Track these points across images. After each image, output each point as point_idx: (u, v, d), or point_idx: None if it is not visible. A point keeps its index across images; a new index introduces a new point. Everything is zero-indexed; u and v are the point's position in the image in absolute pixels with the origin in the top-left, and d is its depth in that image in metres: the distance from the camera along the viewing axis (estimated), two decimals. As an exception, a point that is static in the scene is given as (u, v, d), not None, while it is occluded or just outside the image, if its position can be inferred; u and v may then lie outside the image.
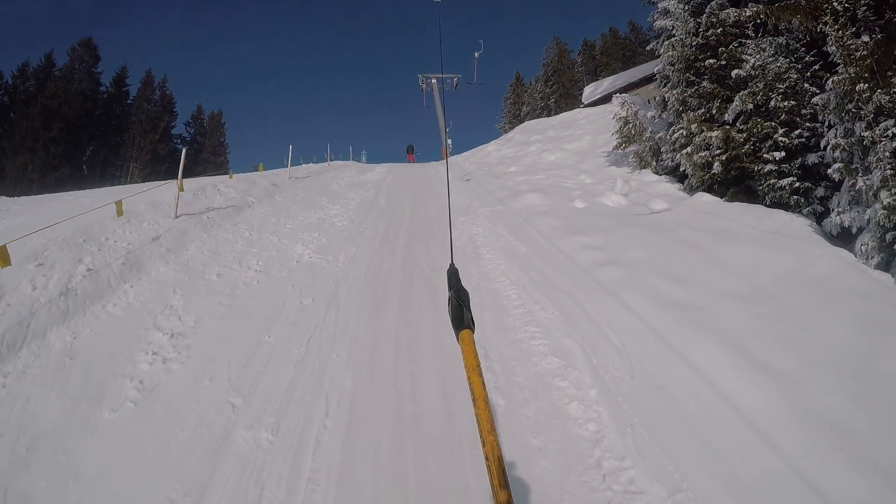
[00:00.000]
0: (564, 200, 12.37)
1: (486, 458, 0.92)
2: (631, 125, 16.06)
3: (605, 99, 28.39)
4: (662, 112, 16.22)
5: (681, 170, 13.87)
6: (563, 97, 48.50)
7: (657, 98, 16.49)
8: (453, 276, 1.43)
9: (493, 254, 9.11)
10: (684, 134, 14.18)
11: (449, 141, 34.74)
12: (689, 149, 13.63)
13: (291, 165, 18.91)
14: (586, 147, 19.27)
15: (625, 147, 16.28)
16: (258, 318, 6.66)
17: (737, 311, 6.01)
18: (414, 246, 9.89)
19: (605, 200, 12.44)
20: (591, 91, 30.14)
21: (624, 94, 18.80)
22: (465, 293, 1.32)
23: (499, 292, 7.35)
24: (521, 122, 56.03)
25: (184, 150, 11.12)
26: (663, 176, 14.82)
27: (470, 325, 1.21)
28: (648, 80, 27.28)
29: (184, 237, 9.34)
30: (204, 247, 9.20)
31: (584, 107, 29.88)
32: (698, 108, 14.18)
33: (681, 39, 14.26)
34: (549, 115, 50.43)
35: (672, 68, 14.94)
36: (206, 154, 54.29)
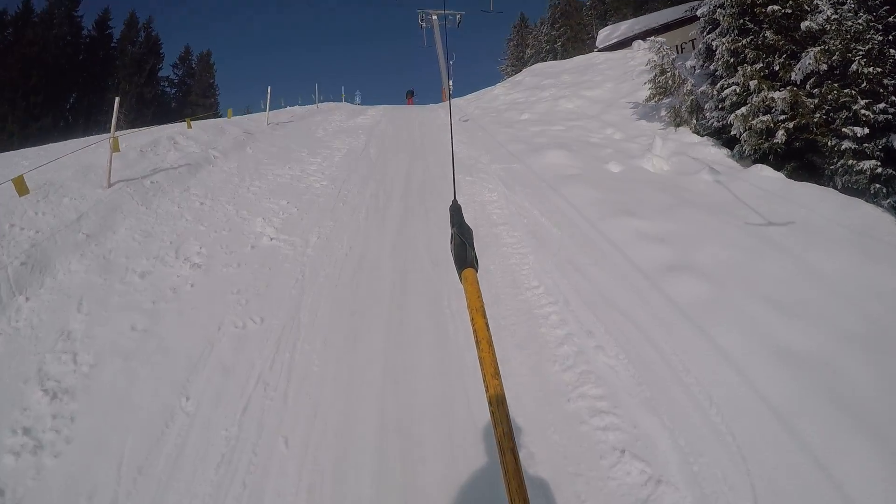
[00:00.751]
0: (595, 161, 9.92)
1: (490, 403, 0.85)
2: (668, 75, 13.42)
3: (623, 44, 25.44)
4: (705, 62, 13.59)
5: (731, 133, 11.47)
6: (571, 41, 44.90)
7: (699, 47, 13.79)
8: (456, 212, 1.33)
9: (515, 236, 6.71)
10: (737, 91, 11.71)
11: (450, 82, 31.61)
12: (744, 109, 11.21)
13: (276, 109, 16.18)
14: (608, 95, 16.60)
15: (659, 99, 13.68)
16: (178, 359, 4.32)
17: (869, 371, 3.82)
18: (410, 220, 7.45)
19: (645, 164, 10.03)
20: (606, 35, 27.03)
21: (651, 38, 16.02)
22: (469, 230, 1.24)
23: (532, 310, 4.97)
24: (526, 65, 52.48)
25: (116, 100, 8.32)
26: (705, 137, 12.38)
27: (473, 264, 1.14)
28: (671, 26, 24.36)
29: (113, 215, 6.88)
30: (137, 227, 6.75)
31: (598, 51, 26.89)
32: (755, 62, 11.68)
33: (737, -23, 11.65)
34: (555, 58, 46.96)
35: (723, 12, 12.32)
36: (195, 96, 51.30)
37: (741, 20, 12.00)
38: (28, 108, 36.91)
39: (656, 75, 13.64)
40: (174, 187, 8.25)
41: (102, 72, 44.75)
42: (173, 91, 52.51)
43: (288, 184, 9.00)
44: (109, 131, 8.19)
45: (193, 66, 53.96)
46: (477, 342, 0.96)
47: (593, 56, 22.22)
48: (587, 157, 10.12)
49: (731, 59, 12.09)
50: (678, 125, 13.25)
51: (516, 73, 57.42)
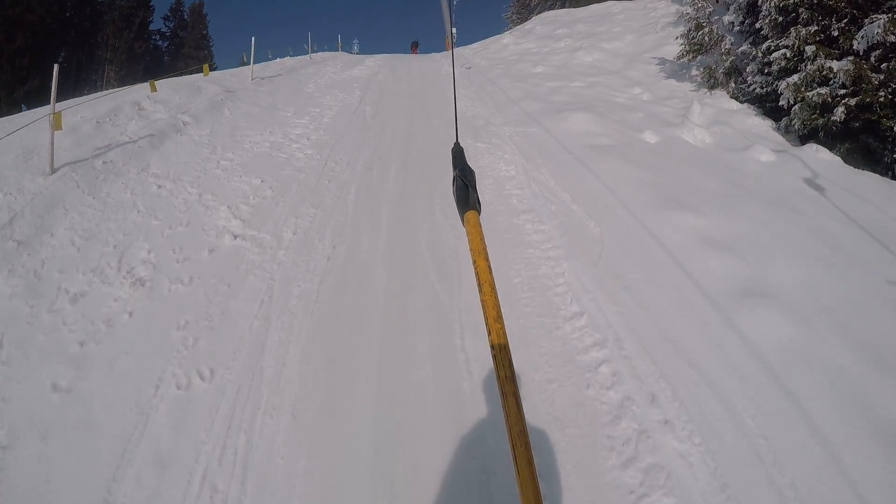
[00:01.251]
0: (627, 129, 8.44)
1: (492, 347, 0.82)
2: (705, 31, 11.72)
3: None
4: (747, 18, 11.90)
5: (778, 102, 9.98)
6: (581, -14, 42.09)
7: (739, 0, 12.03)
8: (458, 154, 1.28)
9: (543, 231, 5.28)
10: (787, 55, 10.14)
11: (454, 29, 29.23)
12: (796, 78, 9.68)
13: (264, 61, 14.25)
14: (629, 49, 14.82)
15: (693, 58, 12.01)
16: (103, 440, 3.03)
17: None
18: (410, 205, 6.03)
19: (685, 135, 8.56)
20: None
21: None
22: (471, 172, 1.19)
23: (574, 356, 3.60)
24: (532, 13, 49.45)
25: (56, 67, 6.71)
26: (745, 104, 10.87)
27: (476, 206, 1.11)
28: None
29: (53, 211, 5.39)
30: (78, 226, 5.27)
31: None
32: (809, 24, 10.07)
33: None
34: (563, 6, 44.13)
35: (772, -38, 10.67)
36: (188, 49, 48.56)
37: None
38: (14, 72, 34.28)
39: (690, 30, 11.93)
40: (130, 166, 6.69)
41: (92, 27, 41.72)
42: (165, 45, 49.42)
43: (266, 154, 7.48)
44: (101, 88, 6.58)
45: (185, 17, 50.74)
46: (479, 285, 0.93)
47: (610, 5, 20.16)
48: (616, 122, 8.61)
49: (780, 18, 10.46)
50: (712, 87, 11.67)
51: (522, 21, 54.30)
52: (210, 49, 51.08)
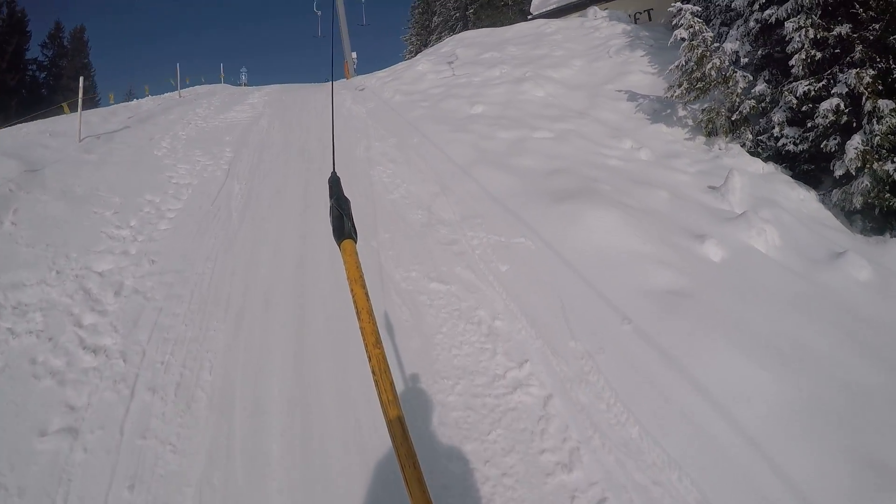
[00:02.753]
0: (672, 234, 5.02)
1: (373, 373, 0.84)
2: (712, 64, 8.59)
3: (564, 11, 20.65)
4: (759, 49, 8.97)
5: (833, 169, 7.09)
6: (485, 7, 39.62)
7: (750, 25, 9.07)
8: (335, 184, 1.28)
9: None
10: (841, 107, 7.28)
11: (353, 54, 25.29)
12: (858, 140, 6.82)
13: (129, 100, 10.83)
14: (584, 77, 11.68)
15: (695, 98, 8.85)
16: None
17: None
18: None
19: (752, 240, 5.26)
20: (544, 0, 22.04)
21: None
22: (347, 201, 1.19)
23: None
24: (432, 34, 46.54)
25: None
26: (769, 163, 7.93)
27: (352, 235, 1.12)
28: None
29: None
30: None
31: (531, 18, 21.88)
32: (863, 65, 7.28)
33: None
34: (465, 27, 41.53)
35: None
36: (66, 80, 40.58)
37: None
38: None
39: (689, 62, 8.80)
40: None
41: (-47, 57, 33.84)
42: (43, 75, 41.40)
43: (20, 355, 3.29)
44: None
45: (66, 44, 42.68)
46: (357, 313, 0.93)
47: (540, 24, 17.12)
48: (649, 219, 5.17)
49: (817, 55, 7.57)
50: (709, 134, 8.67)
51: (421, 44, 51.17)
52: (92, 79, 43.70)
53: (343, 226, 1.12)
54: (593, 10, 17.50)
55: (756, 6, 9.01)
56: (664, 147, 8.29)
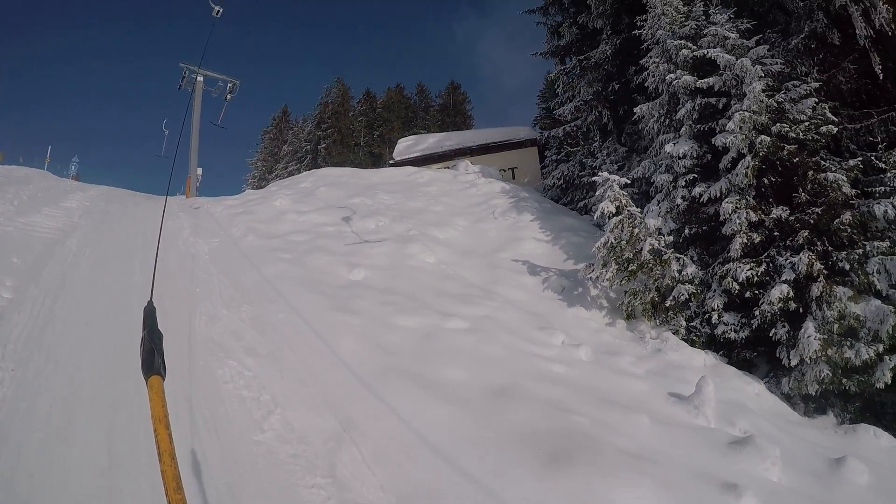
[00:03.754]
0: (690, 485, 3.31)
1: None
2: (643, 244, 7.56)
3: (428, 160, 20.32)
4: (687, 225, 8.30)
5: (782, 358, 6.23)
6: (338, 145, 39.50)
7: (675, 201, 8.44)
8: (150, 315, 1.26)
9: None
10: (789, 294, 6.54)
11: (199, 170, 22.53)
12: (812, 328, 6.05)
13: None
14: (471, 240, 10.29)
15: (624, 281, 7.65)
16: None
17: None
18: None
19: (767, 473, 3.93)
20: (407, 146, 21.48)
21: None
22: (160, 335, 1.17)
23: None
24: (279, 162, 45.17)
25: None
26: (708, 351, 6.87)
27: (161, 371, 1.08)
28: (490, 149, 20.26)
29: None
30: None
31: (392, 164, 21.25)
32: (811, 247, 6.80)
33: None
34: (316, 160, 40.80)
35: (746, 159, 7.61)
36: None
37: (772, 178, 7.16)
38: None
39: (621, 243, 7.69)
40: None
41: None
42: None
43: None
44: None
45: None
46: (159, 455, 0.89)
47: (410, 172, 16.10)
48: (662, 473, 3.38)
49: (755, 237, 6.95)
50: (629, 317, 7.55)
51: (267, 170, 49.45)
52: None
53: (153, 361, 1.07)
54: (465, 164, 17.10)
55: (682, 182, 8.49)
56: (595, 338, 6.88)
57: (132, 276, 6.68)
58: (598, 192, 8.61)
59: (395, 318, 6.12)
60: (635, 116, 10.39)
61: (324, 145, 39.46)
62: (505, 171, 18.92)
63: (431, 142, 21.35)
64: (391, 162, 21.62)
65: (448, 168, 17.91)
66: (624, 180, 8.46)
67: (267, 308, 6.17)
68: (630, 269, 7.44)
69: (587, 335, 6.94)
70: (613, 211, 7.96)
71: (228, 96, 23.32)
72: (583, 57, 14.80)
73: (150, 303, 1.30)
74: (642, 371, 6.10)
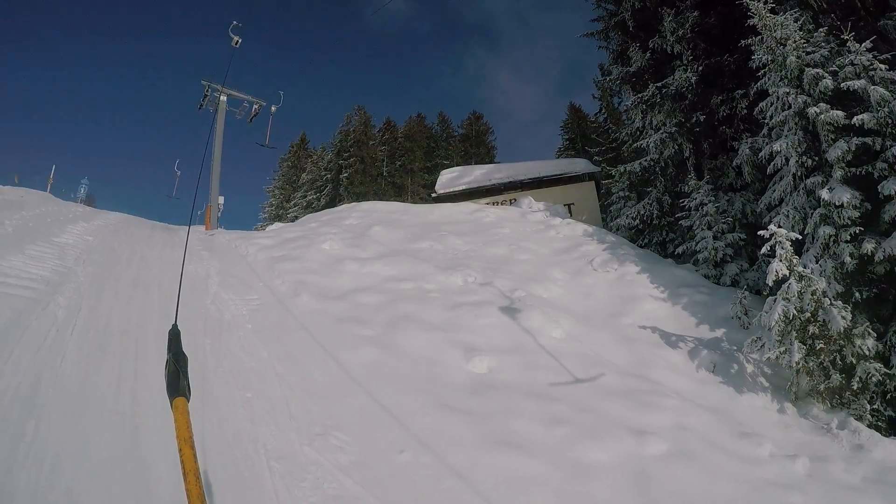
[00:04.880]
0: None
1: None
2: (834, 318, 5.47)
3: (472, 194, 18.21)
4: (861, 291, 6.31)
5: None
6: (361, 174, 37.60)
7: (836, 261, 6.49)
8: (175, 338, 1.23)
9: None
10: None
11: (221, 199, 20.48)
12: None
13: None
14: (579, 299, 8.03)
15: (817, 367, 5.54)
16: None
17: None
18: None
19: None
20: (450, 179, 19.37)
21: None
22: (185, 357, 1.15)
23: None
24: (298, 190, 43.27)
25: None
26: None
27: (185, 393, 1.07)
28: (545, 183, 18.10)
29: None
30: None
31: (435, 198, 19.11)
32: None
33: None
34: (336, 189, 38.86)
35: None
36: None
37: None
38: None
39: (805, 311, 5.57)
40: None
41: None
42: None
43: None
44: None
45: None
46: (184, 474, 0.88)
47: (472, 209, 13.86)
48: None
49: None
50: (797, 398, 5.46)
51: (285, 198, 47.43)
52: None
53: (178, 383, 1.06)
54: (527, 200, 14.96)
55: (845, 236, 6.55)
56: (787, 437, 5.39)
57: (144, 377, 4.23)
58: (763, 249, 6.58)
59: (579, 449, 4.08)
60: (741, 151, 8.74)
61: (346, 174, 37.56)
62: (565, 205, 16.76)
63: (478, 174, 19.26)
64: (434, 195, 19.51)
65: (509, 204, 15.83)
66: (793, 235, 6.57)
67: (375, 439, 3.92)
68: (817, 347, 5.35)
69: (779, 434, 5.43)
70: (786, 273, 5.90)
71: (252, 119, 21.52)
72: (660, 84, 12.92)
73: (175, 325, 1.27)
74: (858, 479, 4.73)
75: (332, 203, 37.46)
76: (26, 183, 18.73)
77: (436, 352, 5.53)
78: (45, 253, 7.10)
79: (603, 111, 33.57)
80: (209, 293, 7.12)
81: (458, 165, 24.98)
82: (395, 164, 40.02)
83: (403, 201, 19.50)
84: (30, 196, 12.63)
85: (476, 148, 42.60)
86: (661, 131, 13.12)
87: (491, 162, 37.28)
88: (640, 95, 13.70)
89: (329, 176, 40.52)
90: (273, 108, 21.14)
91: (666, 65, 13.48)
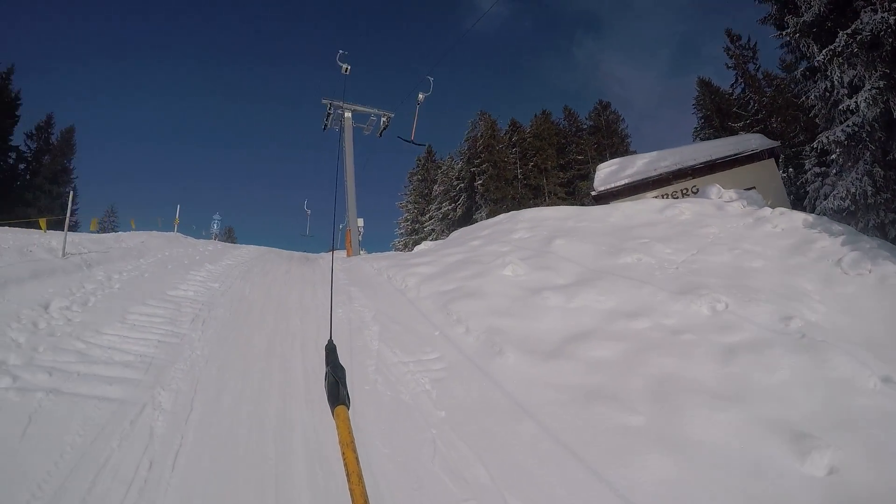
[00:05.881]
0: None
1: None
2: None
3: (637, 189, 16.28)
4: None
5: None
6: (495, 179, 36.62)
7: None
8: (331, 351, 1.32)
9: None
10: None
11: (360, 221, 20.49)
12: None
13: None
14: (854, 321, 6.15)
15: None
16: None
17: None
18: None
19: None
20: (610, 173, 17.59)
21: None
22: (342, 369, 1.22)
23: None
24: (432, 203, 43.37)
25: None
26: None
27: (346, 401, 1.13)
28: (717, 166, 15.74)
29: None
30: None
31: (595, 196, 17.40)
32: None
33: None
34: (472, 197, 38.23)
35: None
36: (42, 179, 35.42)
37: None
38: None
39: None
40: None
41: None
42: (22, 167, 36.42)
43: None
44: None
45: (52, 141, 38.37)
46: (347, 475, 0.92)
47: (661, 206, 11.78)
48: None
49: None
50: None
51: (419, 211, 47.83)
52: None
53: (339, 392, 1.14)
54: (716, 189, 12.87)
55: None
56: None
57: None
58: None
59: None
60: None
61: (480, 181, 36.80)
62: (747, 189, 14.38)
63: (641, 164, 17.30)
64: (593, 194, 17.83)
65: (680, 195, 13.90)
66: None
67: None
68: None
69: None
70: None
71: (382, 133, 21.37)
72: (849, 31, 10.48)
73: (331, 341, 1.36)
74: None
75: (469, 212, 36.84)
76: (169, 227, 19.07)
77: (744, 444, 3.99)
78: (153, 316, 6.28)
79: (739, 81, 29.85)
80: (370, 353, 5.91)
81: (593, 161, 22.96)
82: (528, 165, 38.59)
83: (539, 204, 17.92)
84: (152, 240, 12.50)
85: (608, 139, 39.93)
86: (866, 87, 10.54)
87: (627, 153, 34.67)
88: (832, 48, 11.12)
89: (462, 185, 40.11)
90: (421, 97, 20.24)
91: (847, 6, 11.16)
